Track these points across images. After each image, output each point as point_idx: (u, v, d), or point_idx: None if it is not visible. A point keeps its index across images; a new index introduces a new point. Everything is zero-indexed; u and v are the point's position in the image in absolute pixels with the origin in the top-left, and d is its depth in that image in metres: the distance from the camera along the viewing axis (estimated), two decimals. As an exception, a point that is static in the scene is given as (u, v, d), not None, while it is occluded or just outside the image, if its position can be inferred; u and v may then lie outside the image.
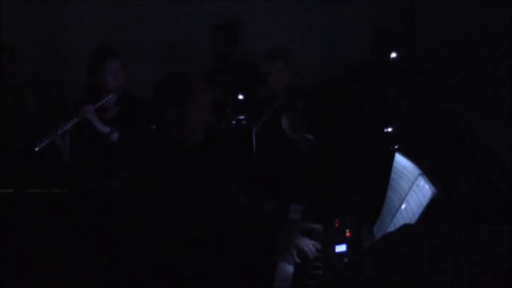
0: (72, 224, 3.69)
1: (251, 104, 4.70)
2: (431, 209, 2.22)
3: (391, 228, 2.44)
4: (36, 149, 3.76)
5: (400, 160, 2.58)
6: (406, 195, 2.41)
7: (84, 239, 3.65)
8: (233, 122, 4.49)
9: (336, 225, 2.78)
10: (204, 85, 2.87)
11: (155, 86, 2.83)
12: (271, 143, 4.36)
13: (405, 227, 1.93)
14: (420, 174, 2.35)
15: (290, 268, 2.49)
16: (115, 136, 3.93)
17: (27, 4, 5.62)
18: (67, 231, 3.69)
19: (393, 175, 2.62)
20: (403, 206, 2.41)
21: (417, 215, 2.27)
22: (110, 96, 3.99)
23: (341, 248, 2.55)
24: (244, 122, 4.48)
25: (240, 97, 4.65)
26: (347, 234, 2.66)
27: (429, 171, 2.36)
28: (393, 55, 4.55)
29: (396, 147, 3.80)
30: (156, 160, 2.70)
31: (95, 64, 4.01)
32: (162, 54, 5.72)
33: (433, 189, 2.23)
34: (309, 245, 2.57)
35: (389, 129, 4.35)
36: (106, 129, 3.93)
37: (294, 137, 4.31)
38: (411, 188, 2.37)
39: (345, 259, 2.45)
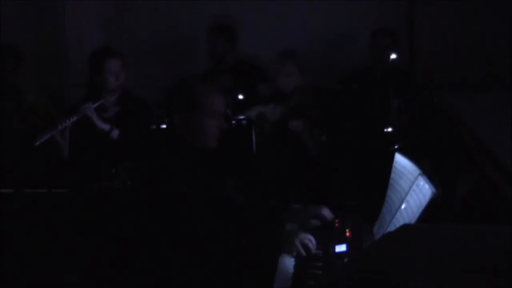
0: (72, 224, 3.69)
1: (254, 102, 4.71)
2: (431, 209, 2.22)
3: (391, 228, 2.44)
4: (36, 143, 3.77)
5: (400, 160, 2.59)
6: (406, 195, 2.41)
7: (84, 239, 3.65)
8: (233, 122, 4.49)
9: (336, 225, 2.78)
10: (215, 91, 2.89)
11: (167, 91, 2.86)
12: (275, 144, 4.37)
13: (405, 227, 1.93)
14: (420, 174, 2.35)
15: (290, 268, 2.49)
16: (115, 133, 3.94)
17: (27, 4, 5.62)
18: (67, 231, 3.69)
19: (393, 175, 2.62)
20: (403, 206, 2.41)
21: (417, 215, 2.27)
22: (110, 97, 3.99)
23: (341, 248, 2.55)
24: (244, 122, 4.48)
25: (240, 97, 4.65)
26: (347, 234, 2.66)
27: (429, 171, 2.36)
28: (393, 56, 4.55)
29: (396, 147, 3.80)
30: (166, 164, 2.72)
31: (96, 64, 4.00)
32: (162, 54, 5.72)
33: (433, 189, 2.23)
34: (311, 240, 2.58)
35: (389, 129, 4.35)
36: (105, 126, 3.94)
37: (305, 141, 4.31)
38: (411, 188, 2.38)
39: (345, 259, 2.46)
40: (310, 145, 4.31)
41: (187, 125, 2.79)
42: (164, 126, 4.31)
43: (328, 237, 2.67)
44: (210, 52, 5.34)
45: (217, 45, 5.32)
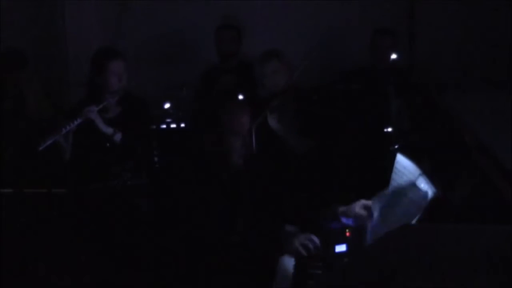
0: (72, 224, 3.69)
1: (251, 105, 4.69)
2: (431, 209, 2.22)
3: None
4: (40, 148, 3.76)
5: (400, 160, 2.59)
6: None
7: (84, 240, 3.65)
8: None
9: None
10: (240, 109, 2.89)
11: (193, 111, 2.87)
12: (268, 145, 4.35)
13: (405, 227, 1.93)
14: (420, 174, 2.35)
15: (290, 268, 2.49)
16: (118, 136, 3.92)
17: (27, 4, 5.62)
18: (67, 231, 3.69)
19: (393, 175, 2.62)
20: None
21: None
22: (112, 98, 3.99)
23: (341, 248, 2.55)
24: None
25: (240, 97, 4.64)
26: (347, 234, 2.66)
27: (429, 171, 2.36)
28: (393, 56, 4.55)
29: (396, 147, 3.80)
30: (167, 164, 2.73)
31: (99, 64, 3.99)
32: (162, 54, 5.71)
33: (433, 189, 2.23)
34: (313, 240, 2.59)
35: (389, 129, 4.35)
36: (109, 130, 3.92)
37: (285, 138, 4.28)
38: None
39: (345, 259, 2.46)
40: (291, 142, 4.28)
41: (215, 144, 2.77)
42: (164, 126, 4.31)
43: (328, 237, 2.67)
44: (218, 52, 5.33)
45: (227, 44, 5.31)
